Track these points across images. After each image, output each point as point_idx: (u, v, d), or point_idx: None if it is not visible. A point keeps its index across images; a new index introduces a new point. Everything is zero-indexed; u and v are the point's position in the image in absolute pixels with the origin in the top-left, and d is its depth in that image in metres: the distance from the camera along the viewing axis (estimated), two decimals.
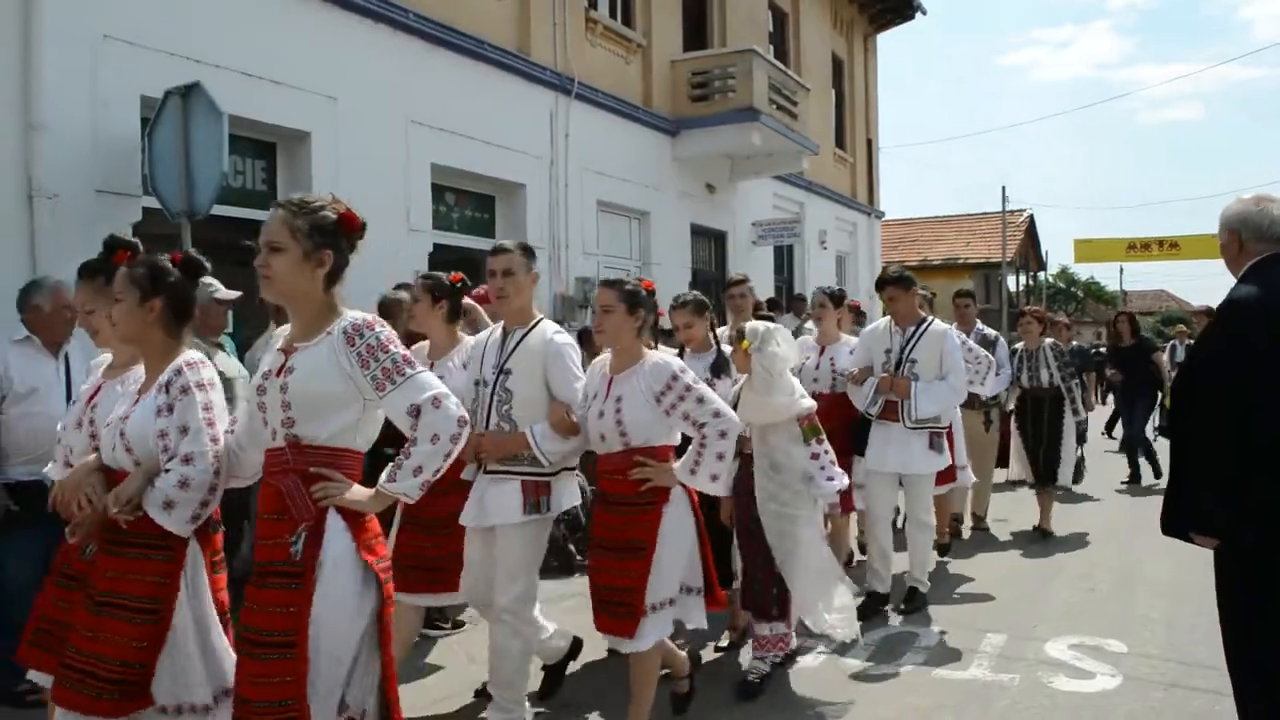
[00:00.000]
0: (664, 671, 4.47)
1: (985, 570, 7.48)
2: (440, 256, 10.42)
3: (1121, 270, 51.75)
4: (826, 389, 6.56)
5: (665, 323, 5.89)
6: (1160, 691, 4.92)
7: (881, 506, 6.32)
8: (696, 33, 16.02)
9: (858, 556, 7.24)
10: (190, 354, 3.19)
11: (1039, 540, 8.32)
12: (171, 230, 7.21)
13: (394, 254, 9.02)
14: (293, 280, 2.89)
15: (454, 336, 4.83)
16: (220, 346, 5.45)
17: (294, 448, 2.84)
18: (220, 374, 5.14)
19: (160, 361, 3.15)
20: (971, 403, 7.88)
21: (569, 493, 4.33)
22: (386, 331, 2.88)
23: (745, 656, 5.36)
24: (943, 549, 7.82)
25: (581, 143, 12.70)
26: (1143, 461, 11.73)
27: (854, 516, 7.12)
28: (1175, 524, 3.26)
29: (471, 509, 4.26)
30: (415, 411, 2.81)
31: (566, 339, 4.27)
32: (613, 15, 14.03)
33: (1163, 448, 11.56)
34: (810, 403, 4.86)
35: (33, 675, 3.44)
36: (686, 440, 4.23)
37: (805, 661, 5.43)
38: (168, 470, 2.96)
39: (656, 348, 5.28)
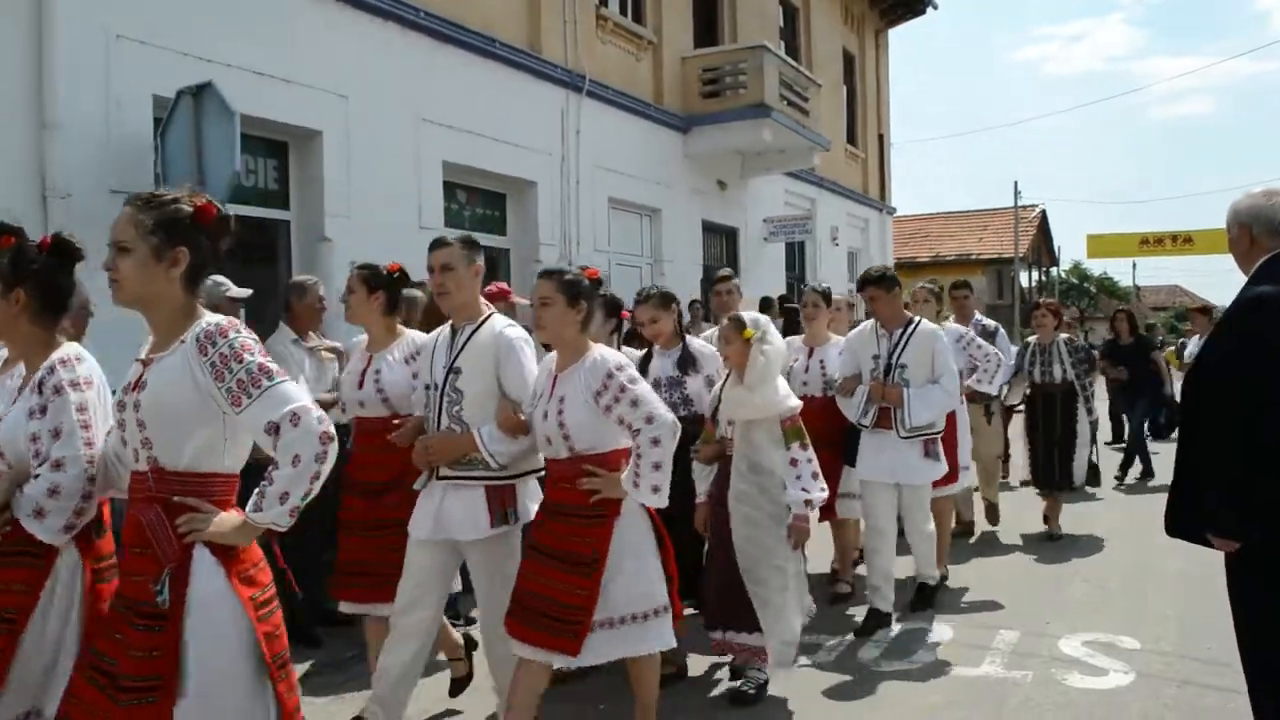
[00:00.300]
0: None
1: (997, 567, 7.46)
2: None
3: (1135, 265, 51.48)
4: (818, 392, 6.35)
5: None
6: (1174, 688, 4.90)
7: (882, 518, 5.90)
8: (707, 29, 16.02)
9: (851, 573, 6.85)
10: (66, 349, 2.94)
11: (1050, 539, 8.24)
12: None
13: (405, 252, 9.00)
14: (142, 283, 2.57)
15: (393, 329, 4.62)
16: None
17: (155, 472, 2.54)
18: None
19: (39, 358, 2.91)
20: (971, 396, 7.57)
21: (535, 497, 4.08)
22: (243, 337, 2.56)
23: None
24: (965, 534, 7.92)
25: (592, 140, 12.70)
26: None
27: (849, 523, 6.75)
28: (1181, 525, 3.25)
29: (425, 519, 3.98)
30: (274, 429, 2.48)
31: (518, 333, 4.01)
32: (623, 12, 14.04)
33: (1158, 448, 11.55)
34: (797, 403, 4.66)
35: None
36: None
37: (818, 657, 5.43)
38: (37, 476, 2.75)
39: (620, 348, 5.19)
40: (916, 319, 6.01)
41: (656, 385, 4.94)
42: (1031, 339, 8.52)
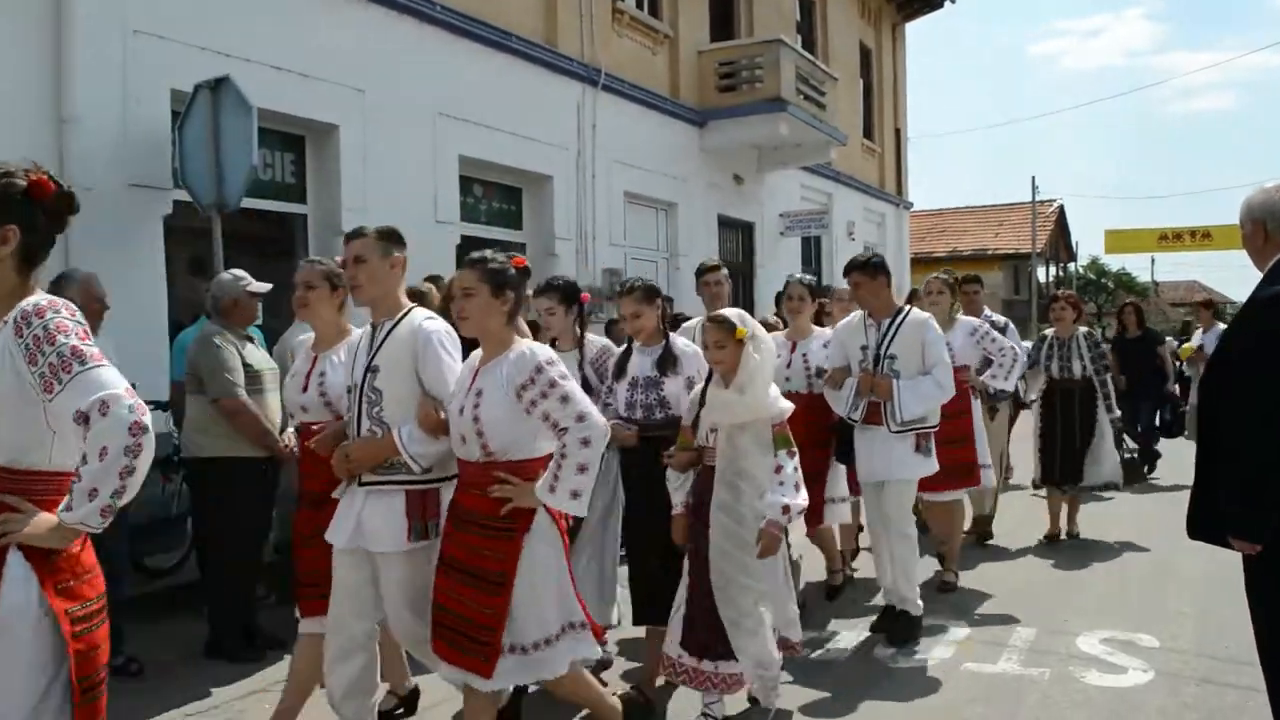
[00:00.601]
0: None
1: (1014, 564, 7.43)
2: (468, 248, 10.40)
3: (1153, 261, 51.19)
4: (801, 388, 5.97)
5: (612, 313, 5.41)
6: (1193, 686, 4.87)
7: (881, 520, 5.64)
8: (723, 23, 15.97)
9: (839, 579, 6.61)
10: None
11: (1066, 537, 8.13)
12: (202, 223, 7.28)
13: (422, 246, 9.02)
14: None
15: (344, 329, 4.35)
16: (249, 338, 5.49)
17: None
18: (249, 366, 5.26)
19: None
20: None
21: None
22: (60, 318, 2.33)
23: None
24: (983, 538, 7.80)
25: (608, 134, 12.70)
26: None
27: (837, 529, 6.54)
28: (1203, 526, 3.22)
29: (344, 525, 3.73)
30: (83, 419, 2.25)
31: (440, 325, 3.73)
32: (639, 6, 14.01)
33: (1165, 445, 11.44)
34: (788, 406, 4.30)
35: None
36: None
37: (832, 654, 5.42)
38: None
39: (583, 344, 4.89)
40: (907, 308, 5.72)
41: (633, 384, 4.70)
42: (1048, 332, 8.20)
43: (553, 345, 4.75)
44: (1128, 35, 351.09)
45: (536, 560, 3.45)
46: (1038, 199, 35.89)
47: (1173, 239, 34.72)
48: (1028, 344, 8.61)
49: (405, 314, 3.79)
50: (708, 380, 4.36)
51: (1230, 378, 3.12)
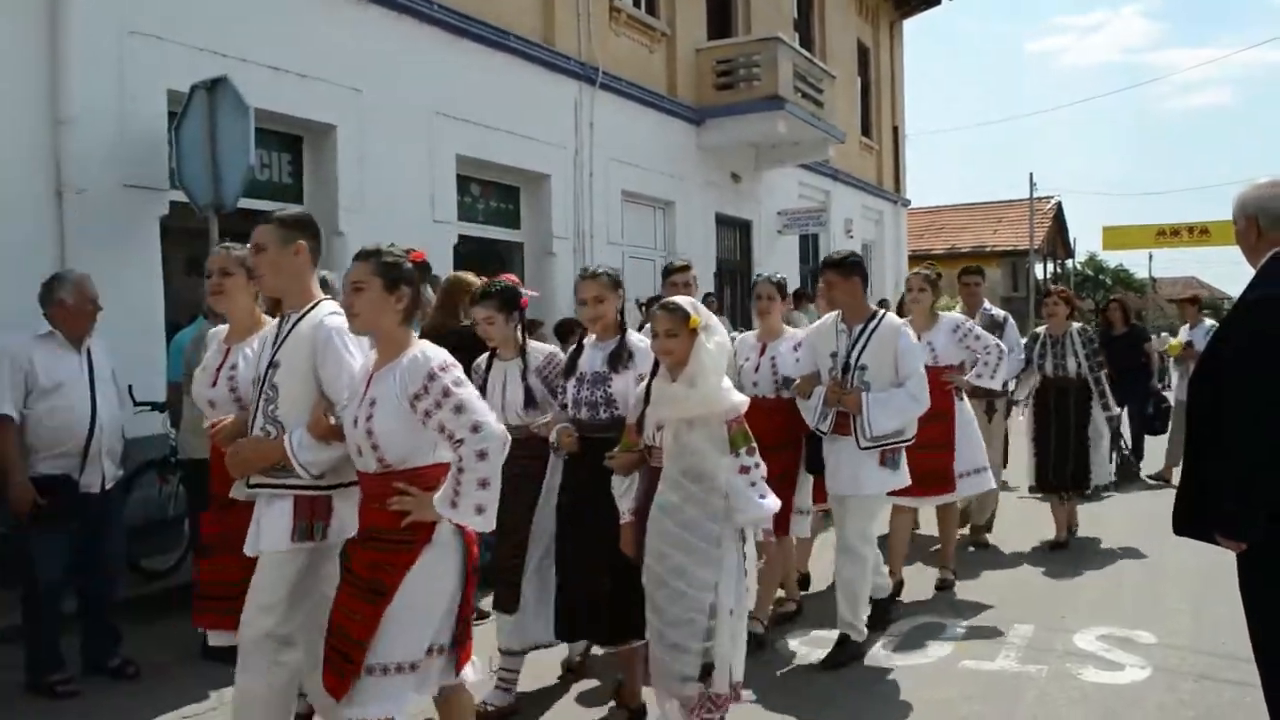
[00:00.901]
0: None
1: (1011, 561, 7.44)
2: (465, 248, 10.47)
3: (1151, 257, 51.16)
4: (769, 392, 5.54)
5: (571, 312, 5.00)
6: (1190, 683, 4.88)
7: (837, 538, 5.37)
8: (721, 21, 15.97)
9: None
10: None
11: (1063, 538, 7.98)
12: (199, 223, 7.27)
13: (420, 246, 9.00)
14: None
15: (259, 320, 4.10)
16: None
17: None
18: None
19: None
20: (973, 392, 6.90)
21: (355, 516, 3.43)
22: None
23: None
24: (978, 546, 7.69)
25: (606, 132, 12.69)
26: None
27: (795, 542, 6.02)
28: (1189, 524, 3.23)
29: (250, 531, 3.55)
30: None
31: (341, 322, 3.45)
32: (637, 4, 14.01)
33: (1149, 442, 11.41)
34: (743, 399, 3.91)
35: None
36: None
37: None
38: None
39: (525, 352, 4.62)
40: (881, 313, 5.38)
41: (579, 380, 4.44)
42: (1041, 329, 7.92)
43: (493, 355, 4.67)
44: (1125, 32, 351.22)
45: (428, 577, 3.17)
46: (1035, 195, 35.95)
47: (1170, 235, 34.74)
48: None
49: (312, 307, 3.59)
50: (652, 374, 4.05)
51: (1222, 377, 3.13)
